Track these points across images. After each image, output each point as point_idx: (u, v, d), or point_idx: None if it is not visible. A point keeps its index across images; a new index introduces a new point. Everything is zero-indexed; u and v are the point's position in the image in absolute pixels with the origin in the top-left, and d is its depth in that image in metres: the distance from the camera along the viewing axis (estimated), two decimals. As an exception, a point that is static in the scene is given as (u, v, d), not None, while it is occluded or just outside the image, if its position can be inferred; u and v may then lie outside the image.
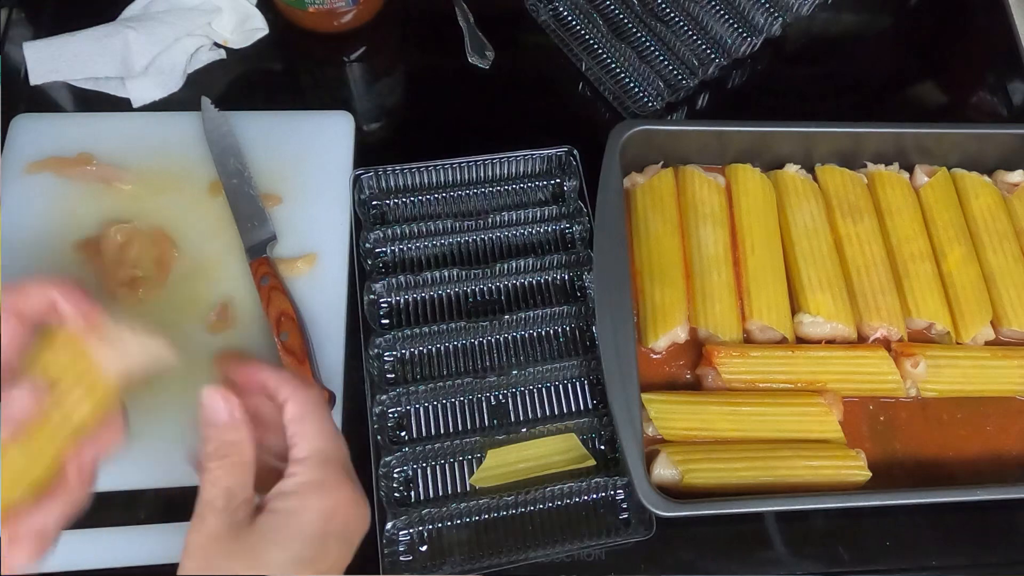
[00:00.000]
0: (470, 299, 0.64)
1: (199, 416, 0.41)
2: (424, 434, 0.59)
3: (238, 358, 0.44)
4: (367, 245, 0.63)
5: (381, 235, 0.64)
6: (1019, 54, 0.80)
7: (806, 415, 0.58)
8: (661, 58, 0.74)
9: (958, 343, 0.63)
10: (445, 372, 0.61)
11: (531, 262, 0.63)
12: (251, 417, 0.42)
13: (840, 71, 0.79)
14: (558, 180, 0.68)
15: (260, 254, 0.62)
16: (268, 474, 0.43)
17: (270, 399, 0.43)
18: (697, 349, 0.62)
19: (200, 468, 0.41)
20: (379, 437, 0.57)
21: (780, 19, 0.75)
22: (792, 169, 0.67)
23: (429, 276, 0.62)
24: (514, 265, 0.63)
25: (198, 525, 0.39)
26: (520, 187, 0.68)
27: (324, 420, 0.43)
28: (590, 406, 0.60)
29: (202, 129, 0.67)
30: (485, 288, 0.64)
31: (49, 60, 0.68)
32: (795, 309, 0.63)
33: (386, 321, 0.62)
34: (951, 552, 0.59)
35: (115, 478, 0.56)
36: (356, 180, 0.65)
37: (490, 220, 0.65)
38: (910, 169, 0.69)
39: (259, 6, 0.72)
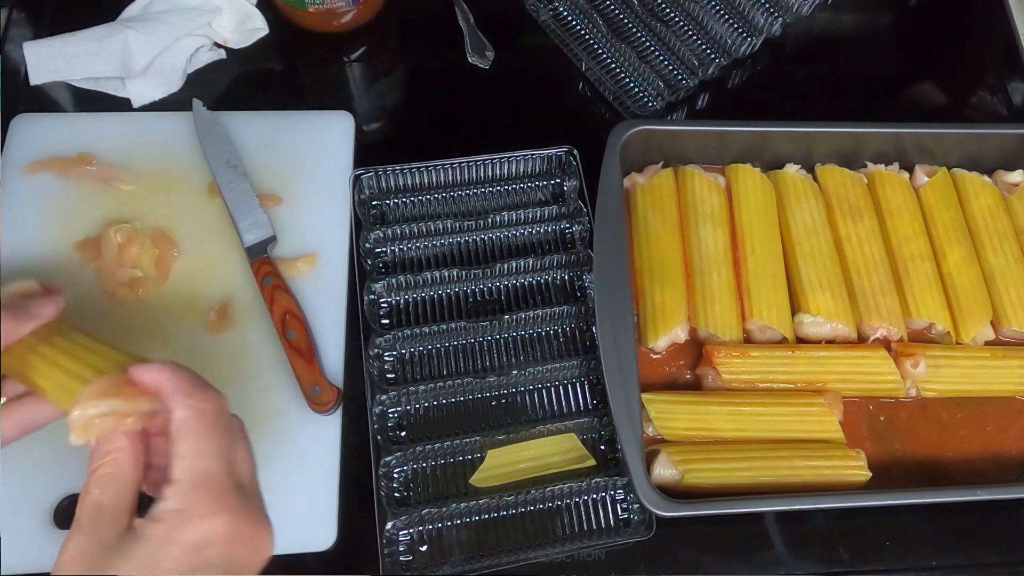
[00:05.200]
0: (470, 299, 0.64)
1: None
2: (424, 434, 0.59)
3: (146, 363, 0.41)
4: (367, 245, 0.63)
5: (381, 235, 0.64)
6: (1019, 54, 0.80)
7: (806, 415, 0.58)
8: (661, 58, 0.74)
9: (958, 343, 0.63)
10: (445, 372, 0.61)
11: (531, 262, 0.63)
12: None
13: (840, 71, 0.79)
14: (558, 180, 0.68)
15: (260, 254, 0.62)
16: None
17: (163, 406, 0.40)
18: (697, 349, 0.62)
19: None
20: (379, 437, 0.57)
21: (780, 19, 0.75)
22: (792, 169, 0.67)
23: (429, 276, 0.62)
24: (514, 265, 0.63)
25: (67, 541, 0.37)
26: (520, 187, 0.68)
27: (206, 436, 0.39)
28: (590, 406, 0.60)
29: (199, 130, 0.67)
30: (485, 288, 0.64)
31: (49, 60, 0.68)
32: (795, 309, 0.63)
33: (386, 321, 0.62)
34: (951, 552, 0.59)
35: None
36: (356, 180, 0.65)
37: (490, 220, 0.65)
38: (910, 169, 0.69)
39: (259, 6, 0.72)
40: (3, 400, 0.46)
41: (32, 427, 0.46)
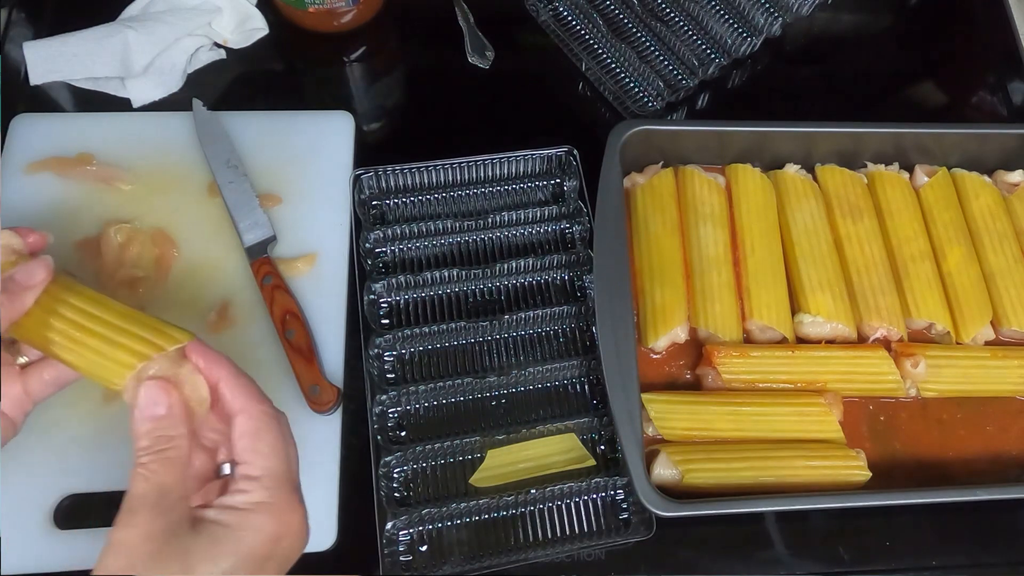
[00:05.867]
0: (470, 299, 0.63)
1: (135, 408, 0.40)
2: (424, 434, 0.59)
3: (207, 349, 0.43)
4: (367, 245, 0.63)
5: (381, 235, 0.64)
6: (1019, 54, 0.80)
7: (806, 415, 0.58)
8: (661, 58, 0.74)
9: (958, 343, 0.63)
10: (445, 372, 0.61)
11: (531, 262, 0.63)
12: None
13: (840, 71, 0.79)
14: (558, 180, 0.68)
15: (260, 254, 0.62)
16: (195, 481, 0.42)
17: (219, 404, 0.42)
18: (697, 349, 0.62)
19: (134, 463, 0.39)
20: (379, 437, 0.57)
21: (780, 19, 0.75)
22: (792, 169, 0.67)
23: (429, 276, 0.62)
24: (514, 265, 0.63)
25: (128, 520, 0.37)
26: (520, 187, 0.68)
27: (278, 439, 0.41)
28: (590, 406, 0.60)
29: (199, 130, 0.67)
30: (485, 288, 0.64)
31: (49, 60, 0.68)
32: (795, 309, 0.63)
33: (386, 321, 0.62)
34: (951, 552, 0.59)
35: (115, 478, 0.56)
36: (356, 180, 0.65)
37: (490, 220, 0.65)
38: (910, 169, 0.69)
39: (259, 6, 0.72)
40: (24, 360, 0.46)
41: (63, 383, 0.46)
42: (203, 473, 0.43)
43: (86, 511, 0.55)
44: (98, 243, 0.62)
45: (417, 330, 0.60)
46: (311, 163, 0.67)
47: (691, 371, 0.62)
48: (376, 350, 0.60)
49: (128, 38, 0.67)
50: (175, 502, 0.38)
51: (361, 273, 0.63)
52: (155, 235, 0.63)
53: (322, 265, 0.64)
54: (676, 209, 0.65)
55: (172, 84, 0.70)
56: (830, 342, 0.62)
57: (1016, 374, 0.62)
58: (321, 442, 0.58)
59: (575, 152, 0.67)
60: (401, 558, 0.55)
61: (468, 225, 0.65)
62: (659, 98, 0.72)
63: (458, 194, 0.67)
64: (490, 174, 0.67)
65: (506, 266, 0.63)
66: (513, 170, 0.67)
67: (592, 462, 0.58)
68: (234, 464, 0.41)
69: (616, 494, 0.58)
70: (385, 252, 0.65)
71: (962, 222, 0.67)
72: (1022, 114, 0.78)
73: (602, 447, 0.59)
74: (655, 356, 0.62)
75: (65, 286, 0.44)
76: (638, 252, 0.63)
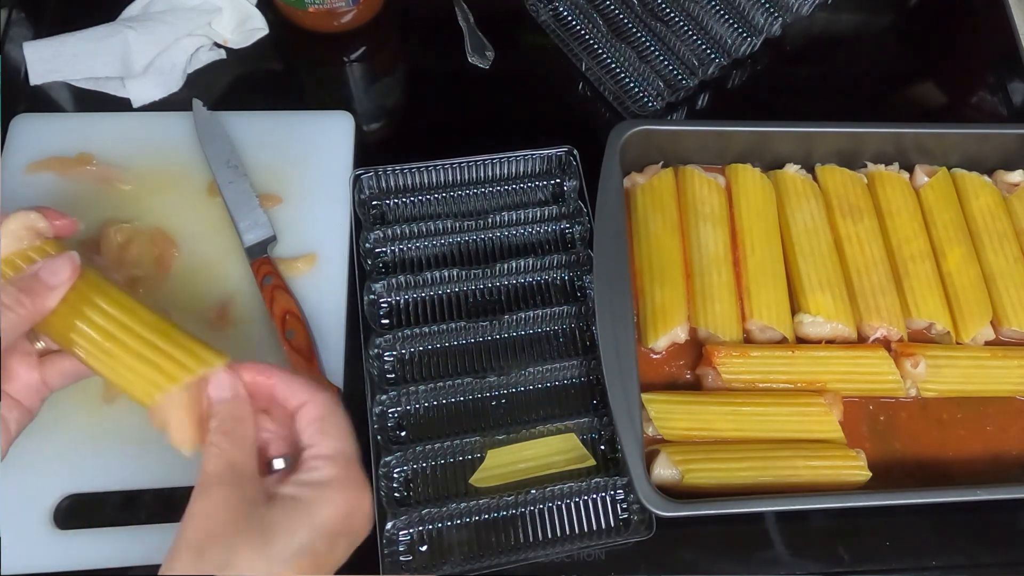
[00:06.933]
0: (470, 299, 0.63)
1: (206, 395, 0.41)
2: (424, 434, 0.59)
3: (253, 362, 0.43)
4: (367, 245, 0.63)
5: (381, 235, 0.64)
6: (1019, 54, 0.80)
7: (806, 415, 0.58)
8: (661, 58, 0.74)
9: (958, 343, 0.63)
10: (445, 372, 0.61)
11: (531, 262, 0.63)
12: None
13: (840, 71, 0.79)
14: (558, 180, 0.68)
15: (260, 254, 0.62)
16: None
17: (277, 403, 0.43)
18: (697, 349, 0.62)
19: (204, 445, 0.41)
20: (379, 437, 0.57)
21: (780, 19, 0.75)
22: (792, 169, 0.67)
23: (429, 276, 0.62)
24: (514, 265, 0.63)
25: (205, 494, 0.38)
26: (520, 187, 0.68)
27: (344, 422, 0.43)
28: (590, 406, 0.60)
29: (199, 130, 0.67)
30: (485, 288, 0.64)
31: (49, 60, 0.68)
32: (795, 309, 0.63)
33: (386, 321, 0.62)
34: (951, 552, 0.59)
35: (115, 478, 0.56)
36: (356, 180, 0.65)
37: (490, 220, 0.65)
38: (910, 169, 0.69)
39: (259, 6, 0.72)
40: (41, 345, 0.45)
41: (82, 375, 0.45)
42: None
43: (86, 511, 0.55)
44: (98, 243, 0.62)
45: (417, 330, 0.60)
46: (311, 163, 0.67)
47: (691, 371, 0.62)
48: (376, 350, 0.60)
49: (128, 38, 0.67)
50: (247, 477, 0.39)
51: (361, 273, 0.63)
52: (155, 235, 0.63)
53: (322, 265, 0.64)
54: (676, 209, 0.65)
55: (172, 84, 0.70)
56: (830, 342, 0.62)
57: (1016, 374, 0.62)
58: (321, 442, 0.58)
59: (575, 152, 0.67)
60: (401, 558, 0.55)
61: (468, 225, 0.65)
62: (659, 98, 0.72)
63: (458, 194, 0.67)
64: (490, 174, 0.67)
65: (506, 266, 0.63)
66: (513, 170, 0.67)
67: (592, 462, 0.58)
68: (303, 449, 0.42)
69: (616, 494, 0.58)
70: (385, 252, 0.65)
71: (962, 222, 0.67)
72: (1022, 114, 0.78)
73: (602, 447, 0.59)
74: (655, 356, 0.62)
75: (93, 284, 0.43)
76: (638, 252, 0.63)
